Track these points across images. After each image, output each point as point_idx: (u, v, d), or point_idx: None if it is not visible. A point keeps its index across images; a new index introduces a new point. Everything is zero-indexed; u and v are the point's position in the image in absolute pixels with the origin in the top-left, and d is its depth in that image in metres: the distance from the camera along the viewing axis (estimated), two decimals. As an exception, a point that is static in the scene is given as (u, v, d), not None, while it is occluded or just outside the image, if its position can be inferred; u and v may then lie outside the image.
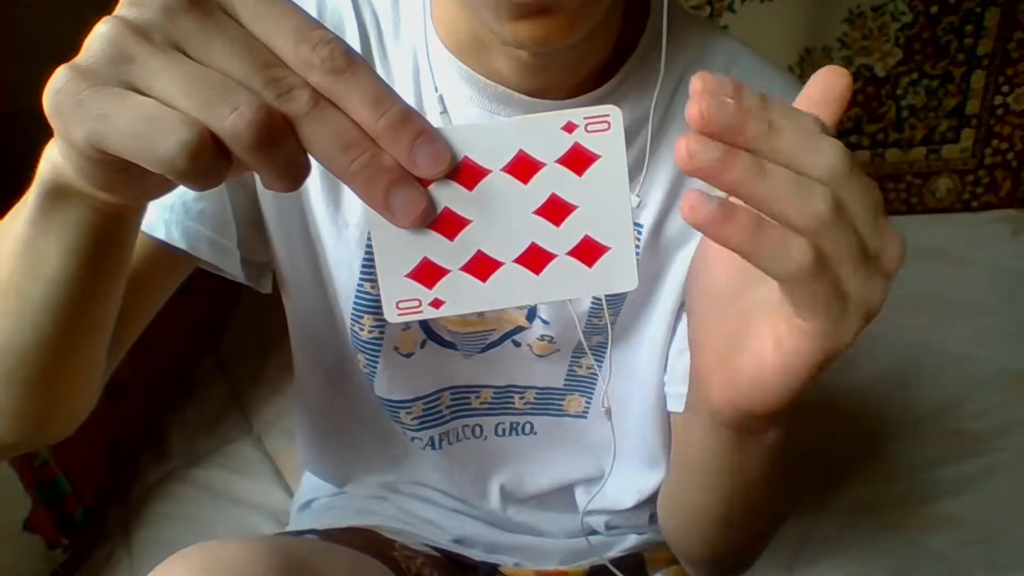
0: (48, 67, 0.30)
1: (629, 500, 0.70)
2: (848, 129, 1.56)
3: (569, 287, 0.33)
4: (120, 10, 0.28)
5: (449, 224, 0.31)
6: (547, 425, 0.69)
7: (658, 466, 0.68)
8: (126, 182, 0.32)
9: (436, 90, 0.55)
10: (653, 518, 0.77)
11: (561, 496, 0.72)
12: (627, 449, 0.68)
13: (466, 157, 0.31)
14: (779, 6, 1.45)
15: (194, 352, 1.27)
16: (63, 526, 0.91)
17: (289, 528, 0.83)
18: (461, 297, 0.32)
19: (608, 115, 0.31)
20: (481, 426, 0.69)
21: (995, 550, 0.84)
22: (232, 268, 0.58)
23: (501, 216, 0.32)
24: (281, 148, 0.28)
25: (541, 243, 0.32)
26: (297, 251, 0.61)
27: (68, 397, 0.48)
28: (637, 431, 0.66)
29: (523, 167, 0.31)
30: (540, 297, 0.33)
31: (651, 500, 0.71)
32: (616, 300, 0.61)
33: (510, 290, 0.33)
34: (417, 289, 0.32)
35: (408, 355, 0.63)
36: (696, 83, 0.30)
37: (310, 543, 0.64)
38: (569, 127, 0.31)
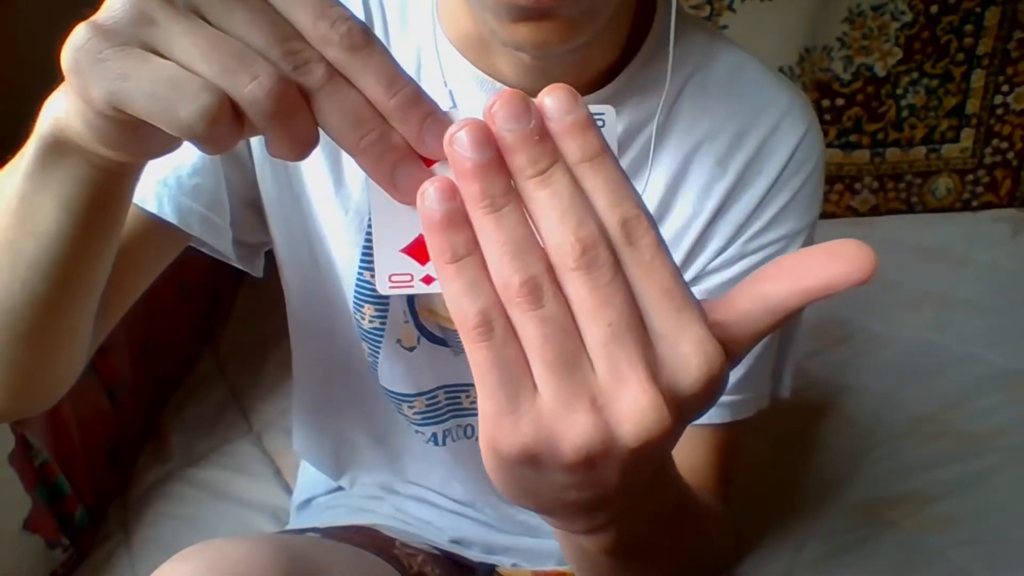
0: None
1: None
2: (848, 129, 1.56)
3: None
4: None
5: None
6: None
7: None
8: (135, 140, 0.32)
9: (446, 84, 0.55)
10: None
11: None
12: None
13: None
14: (779, 6, 1.45)
15: (194, 352, 1.27)
16: (63, 526, 0.91)
17: (290, 527, 0.83)
18: None
19: (604, 113, 0.31)
20: (472, 426, 0.69)
21: (995, 550, 0.84)
22: (223, 247, 0.58)
23: None
24: (295, 118, 0.28)
25: None
26: (297, 237, 0.61)
27: (54, 361, 0.48)
28: None
29: None
30: None
31: None
32: None
33: None
34: (410, 264, 0.32)
35: (411, 349, 0.64)
36: (545, 91, 0.28)
37: (313, 541, 0.64)
38: None
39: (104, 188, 0.38)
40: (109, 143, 0.32)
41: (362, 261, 0.60)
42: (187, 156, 0.54)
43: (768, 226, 0.59)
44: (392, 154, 0.29)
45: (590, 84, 0.55)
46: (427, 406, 0.67)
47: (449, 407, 0.68)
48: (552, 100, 0.28)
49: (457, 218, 0.27)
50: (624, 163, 0.56)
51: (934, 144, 1.59)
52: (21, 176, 0.37)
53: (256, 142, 0.57)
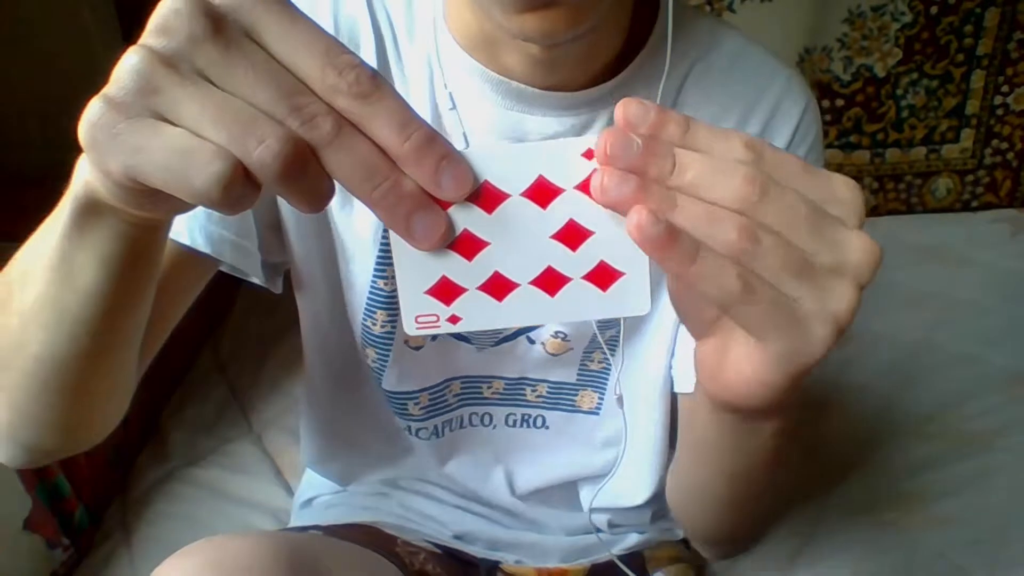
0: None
1: (640, 497, 0.70)
2: (848, 129, 1.56)
3: (582, 309, 0.33)
4: (146, 39, 0.29)
5: (468, 245, 0.32)
6: (559, 420, 0.69)
7: (662, 459, 0.69)
8: (158, 203, 0.33)
9: (445, 87, 0.56)
10: (655, 516, 0.77)
11: (565, 493, 0.72)
12: (638, 443, 0.68)
13: (486, 180, 0.31)
14: (779, 6, 1.45)
15: (194, 352, 1.27)
16: (63, 526, 0.91)
17: (291, 524, 0.83)
18: (477, 315, 0.33)
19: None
20: (491, 415, 0.69)
21: (995, 550, 0.84)
22: (253, 270, 0.59)
23: (519, 239, 0.32)
24: (306, 176, 0.28)
25: (557, 266, 0.33)
26: (312, 250, 0.62)
27: (101, 405, 0.49)
28: (648, 422, 0.67)
29: (542, 192, 0.32)
30: (553, 318, 0.34)
31: (656, 497, 0.71)
32: None
33: (525, 310, 0.33)
34: (435, 305, 0.33)
35: (418, 348, 0.64)
36: (618, 111, 0.30)
37: (315, 539, 0.64)
38: (589, 154, 0.31)
39: (139, 241, 0.38)
40: (135, 207, 0.33)
41: (376, 269, 0.60)
42: None
43: None
44: (406, 203, 0.29)
45: (597, 76, 0.55)
46: (431, 399, 0.67)
47: (463, 397, 0.68)
48: (625, 110, 0.30)
49: (673, 229, 0.30)
50: None
51: (934, 144, 1.59)
52: (59, 236, 0.38)
53: None
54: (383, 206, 0.29)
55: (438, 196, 0.30)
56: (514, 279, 0.33)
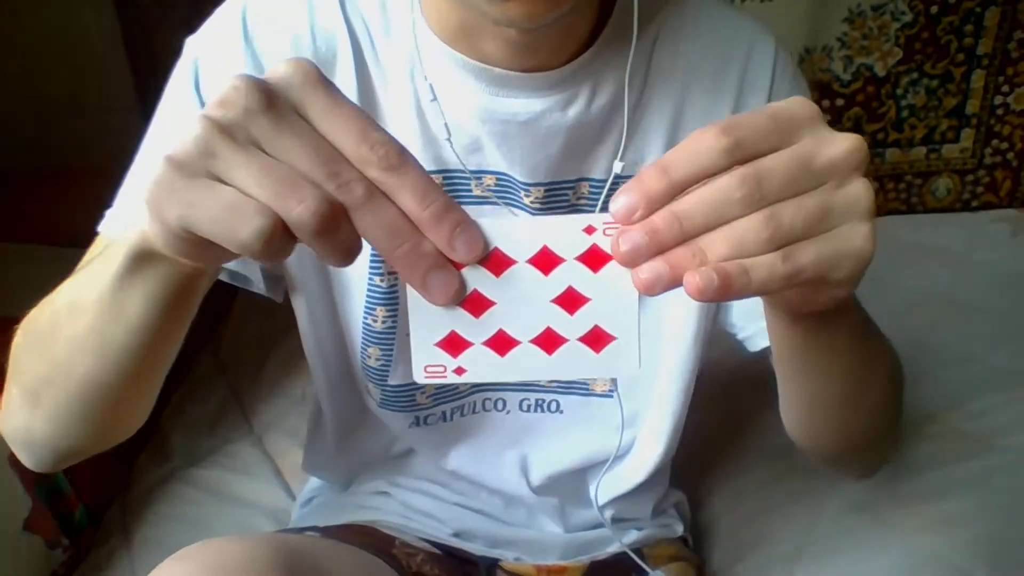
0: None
1: (640, 475, 0.71)
2: (848, 129, 1.56)
3: (577, 368, 0.37)
4: (209, 110, 0.33)
5: (476, 304, 0.36)
6: (573, 404, 0.70)
7: (674, 434, 0.70)
8: (207, 253, 0.36)
9: (426, 79, 0.57)
10: (655, 510, 0.78)
11: (575, 482, 0.73)
12: (648, 421, 0.69)
13: (496, 248, 0.35)
14: (779, 6, 1.45)
15: (194, 353, 1.27)
16: (63, 526, 0.91)
17: (291, 523, 0.84)
18: (481, 368, 0.37)
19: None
20: (505, 400, 0.70)
21: (995, 550, 0.84)
22: (257, 281, 0.60)
23: (522, 301, 0.36)
24: (338, 233, 0.33)
25: (555, 328, 0.36)
26: (305, 249, 0.62)
27: (135, 412, 0.53)
28: (661, 400, 0.68)
29: (546, 260, 0.35)
30: (550, 375, 0.37)
31: (656, 478, 0.72)
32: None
33: (524, 366, 0.37)
34: (444, 357, 0.36)
35: None
36: (613, 214, 0.34)
37: (311, 540, 0.64)
38: (589, 229, 0.35)
39: (185, 284, 0.43)
40: (185, 255, 0.37)
41: (371, 266, 0.61)
42: None
43: None
44: (424, 262, 0.34)
45: (572, 52, 0.57)
46: (439, 387, 0.68)
47: (475, 383, 0.69)
48: (616, 212, 0.34)
49: (724, 273, 0.33)
50: (624, 117, 0.60)
51: (934, 144, 1.59)
52: (111, 276, 0.42)
53: None
54: (404, 264, 0.33)
55: (452, 258, 0.34)
56: (516, 337, 0.36)
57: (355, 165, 0.33)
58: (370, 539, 0.69)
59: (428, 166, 0.59)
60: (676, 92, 0.61)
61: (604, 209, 0.62)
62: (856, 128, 1.56)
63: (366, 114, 0.33)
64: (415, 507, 0.75)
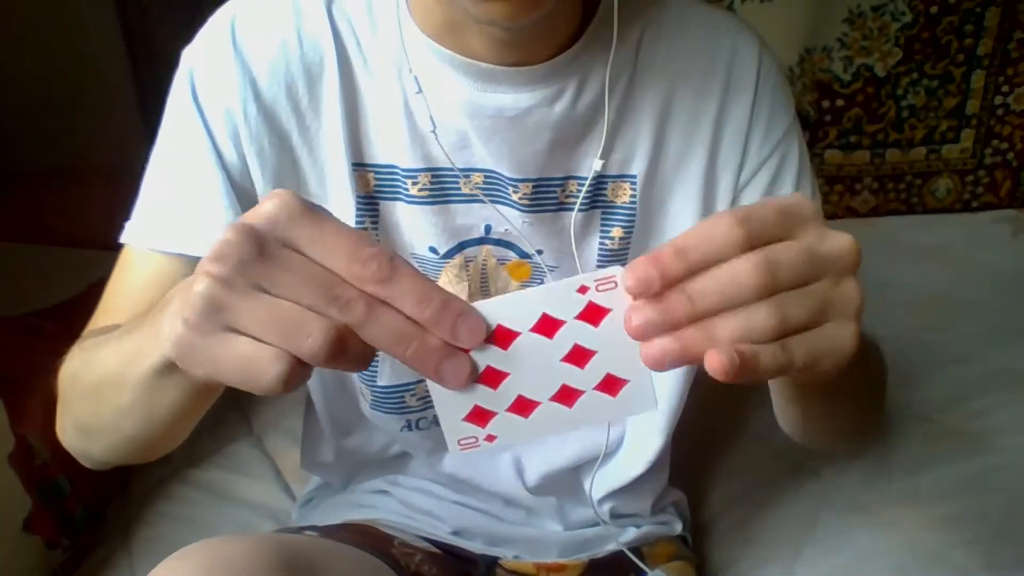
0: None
1: (637, 469, 0.71)
2: (848, 129, 1.56)
3: (598, 415, 0.39)
4: (206, 266, 0.35)
5: (492, 377, 0.37)
6: None
7: (670, 427, 0.70)
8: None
9: (411, 71, 0.58)
10: (655, 506, 0.78)
11: (571, 480, 0.73)
12: (643, 416, 0.69)
13: (499, 325, 0.37)
14: (779, 6, 1.45)
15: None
16: (63, 526, 0.91)
17: (292, 522, 0.84)
18: (509, 431, 0.39)
19: (614, 276, 0.36)
20: None
21: (995, 550, 0.84)
22: None
23: (534, 366, 0.37)
24: (348, 352, 0.35)
25: (570, 384, 0.38)
26: None
27: (183, 436, 0.56)
28: (662, 391, 0.68)
29: (547, 326, 0.37)
30: (574, 426, 0.39)
31: (655, 472, 0.72)
32: (622, 252, 0.64)
33: (549, 422, 0.39)
34: (473, 429, 0.39)
35: None
36: (627, 284, 0.35)
37: (310, 540, 0.65)
38: (582, 289, 0.36)
39: (213, 384, 0.45)
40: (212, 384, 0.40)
41: None
42: (215, 199, 0.58)
43: (768, 128, 0.64)
44: (434, 356, 0.35)
45: (559, 48, 0.58)
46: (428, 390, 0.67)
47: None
48: (631, 284, 0.35)
49: (744, 355, 0.35)
50: (611, 115, 0.61)
51: (934, 145, 1.59)
52: (145, 376, 0.44)
53: (262, 189, 0.60)
54: (415, 362, 0.35)
55: (458, 345, 0.36)
56: (535, 399, 0.38)
57: (352, 283, 0.35)
58: (369, 539, 0.69)
59: (417, 165, 0.60)
60: (663, 92, 0.62)
61: (583, 209, 0.62)
62: (856, 128, 1.56)
63: (354, 232, 0.36)
64: (414, 506, 0.75)
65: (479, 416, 0.38)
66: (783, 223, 0.37)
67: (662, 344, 0.35)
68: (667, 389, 0.68)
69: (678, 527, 0.81)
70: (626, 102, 0.61)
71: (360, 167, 0.60)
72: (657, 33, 0.62)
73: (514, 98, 0.57)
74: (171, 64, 0.60)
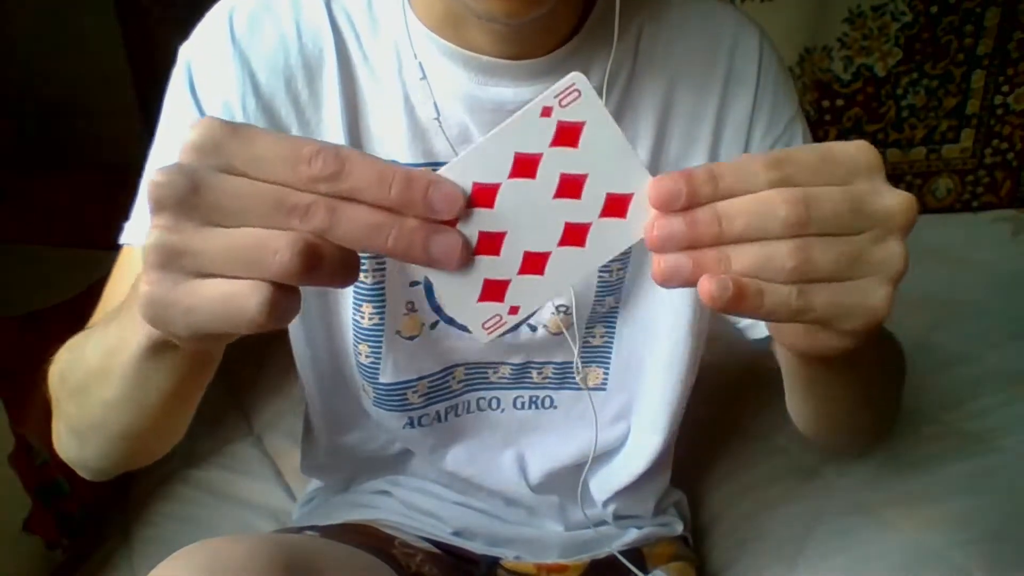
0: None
1: (639, 467, 0.71)
2: (848, 129, 1.56)
3: (616, 243, 0.36)
4: (151, 219, 0.33)
5: (490, 243, 0.35)
6: (567, 399, 0.70)
7: (672, 426, 0.70)
8: (219, 339, 0.38)
9: (415, 57, 0.57)
10: (657, 507, 0.78)
11: (573, 479, 0.73)
12: (643, 412, 0.69)
13: (474, 184, 0.34)
14: (779, 6, 1.45)
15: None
16: (63, 526, 0.91)
17: (292, 521, 0.84)
18: (530, 296, 0.36)
19: (574, 83, 0.33)
20: (499, 399, 0.70)
21: (995, 550, 0.84)
22: None
23: (529, 215, 0.34)
24: (325, 260, 0.32)
25: (573, 220, 0.35)
26: None
27: (176, 434, 0.56)
28: (656, 391, 0.68)
29: (525, 166, 0.34)
30: (596, 263, 0.36)
31: (657, 471, 0.72)
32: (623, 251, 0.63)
33: (567, 270, 0.36)
34: (492, 307, 0.36)
35: (411, 338, 0.65)
36: (651, 195, 0.34)
37: (310, 540, 0.65)
38: (546, 112, 0.33)
39: (202, 359, 0.45)
40: (200, 346, 0.39)
41: None
42: None
43: (771, 120, 0.63)
44: (417, 238, 0.33)
45: (560, 41, 0.58)
46: (431, 387, 0.68)
47: (468, 383, 0.69)
48: (657, 193, 0.34)
49: (740, 285, 0.34)
50: (611, 109, 0.60)
51: (934, 144, 1.59)
52: (131, 361, 0.43)
53: None
54: (399, 251, 0.33)
55: (438, 219, 0.33)
56: (543, 250, 0.35)
57: (304, 190, 0.32)
58: (369, 539, 0.69)
59: (417, 160, 0.60)
60: (663, 85, 0.62)
61: None
62: (856, 128, 1.56)
63: (290, 136, 0.33)
64: (415, 506, 0.75)
65: (493, 291, 0.35)
66: (828, 168, 0.34)
67: (677, 260, 0.33)
68: (668, 387, 0.68)
69: (679, 528, 0.81)
70: (627, 96, 0.61)
71: None
72: (657, 26, 0.61)
73: (515, 92, 0.57)
74: (171, 64, 0.60)
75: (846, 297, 0.34)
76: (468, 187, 0.34)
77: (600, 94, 0.60)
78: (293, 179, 0.32)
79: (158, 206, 0.33)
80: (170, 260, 0.33)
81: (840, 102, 1.54)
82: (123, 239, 0.60)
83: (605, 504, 0.74)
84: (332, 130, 0.59)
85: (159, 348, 0.42)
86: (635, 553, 0.76)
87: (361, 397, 0.70)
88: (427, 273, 0.34)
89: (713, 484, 1.00)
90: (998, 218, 1.55)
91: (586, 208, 0.35)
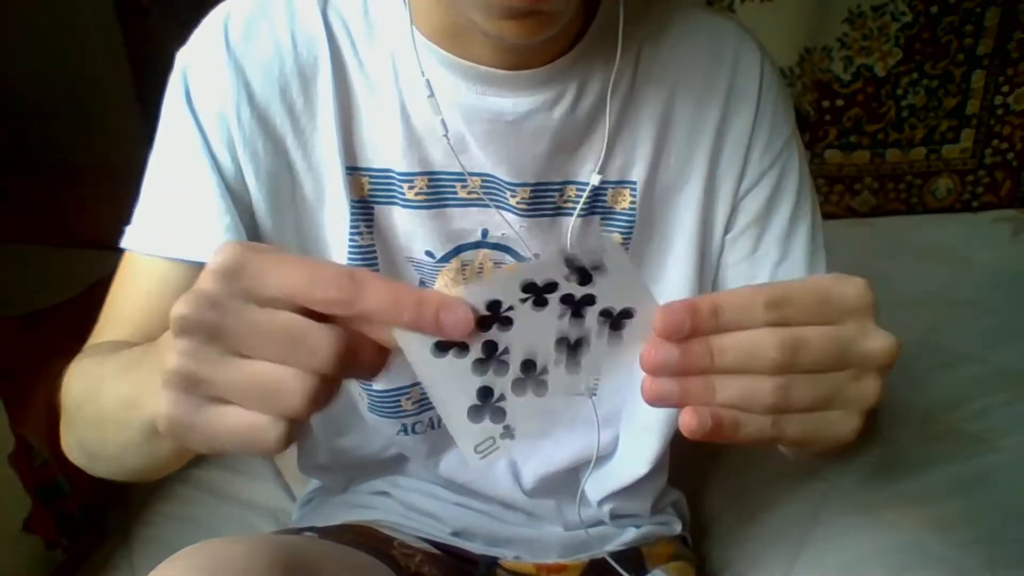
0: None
1: (641, 469, 0.71)
2: (848, 129, 1.56)
3: (617, 361, 0.37)
4: (174, 344, 0.34)
5: (492, 361, 0.35)
6: (558, 404, 0.69)
7: (668, 428, 0.70)
8: None
9: (423, 74, 0.57)
10: (655, 507, 0.77)
11: (568, 482, 0.73)
12: (638, 417, 0.69)
13: (487, 303, 0.35)
14: (779, 6, 1.45)
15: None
16: (63, 526, 0.91)
17: (290, 525, 0.84)
18: (526, 418, 0.36)
19: (603, 243, 0.35)
20: None
21: (995, 550, 0.84)
22: None
23: (533, 334, 0.35)
24: (335, 389, 0.35)
25: (573, 338, 0.36)
26: (292, 250, 0.62)
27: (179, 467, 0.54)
28: None
29: (537, 292, 0.35)
30: (592, 381, 0.39)
31: (654, 474, 0.72)
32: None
33: (564, 391, 0.37)
34: (486, 429, 0.36)
35: None
36: (657, 322, 0.35)
37: (310, 541, 0.64)
38: (569, 260, 0.35)
39: None
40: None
41: (349, 258, 0.61)
42: (211, 203, 0.58)
43: (770, 138, 0.64)
44: (426, 313, 0.33)
45: (559, 51, 0.58)
46: (423, 393, 0.67)
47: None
48: (664, 323, 0.35)
49: (718, 417, 0.36)
50: (611, 121, 0.60)
51: (934, 144, 1.59)
52: (141, 427, 0.43)
53: (256, 193, 0.59)
54: (412, 327, 0.34)
55: (446, 337, 0.34)
56: (542, 369, 0.36)
57: (320, 310, 0.33)
58: (368, 539, 0.69)
59: (413, 169, 0.59)
60: (664, 97, 0.62)
61: (582, 214, 0.61)
62: (856, 128, 1.56)
63: (308, 260, 0.34)
64: (414, 506, 0.75)
65: (489, 407, 0.36)
66: (822, 311, 0.36)
67: (666, 385, 0.36)
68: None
69: (678, 527, 0.81)
70: (627, 107, 0.61)
71: (354, 171, 0.60)
72: (659, 38, 0.61)
73: (513, 102, 0.57)
74: (171, 65, 0.60)
75: (816, 427, 0.37)
76: (479, 308, 0.35)
77: (600, 105, 0.59)
78: (310, 303, 0.33)
79: (181, 333, 0.34)
80: (191, 386, 0.34)
81: (840, 102, 1.54)
82: (125, 243, 0.60)
83: (601, 504, 0.74)
84: (326, 138, 0.59)
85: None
86: (634, 552, 0.76)
87: (357, 403, 0.70)
88: (423, 377, 0.35)
89: (713, 484, 1.00)
90: (998, 218, 1.55)
91: (589, 329, 0.36)
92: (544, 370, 0.36)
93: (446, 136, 0.57)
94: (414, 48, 0.57)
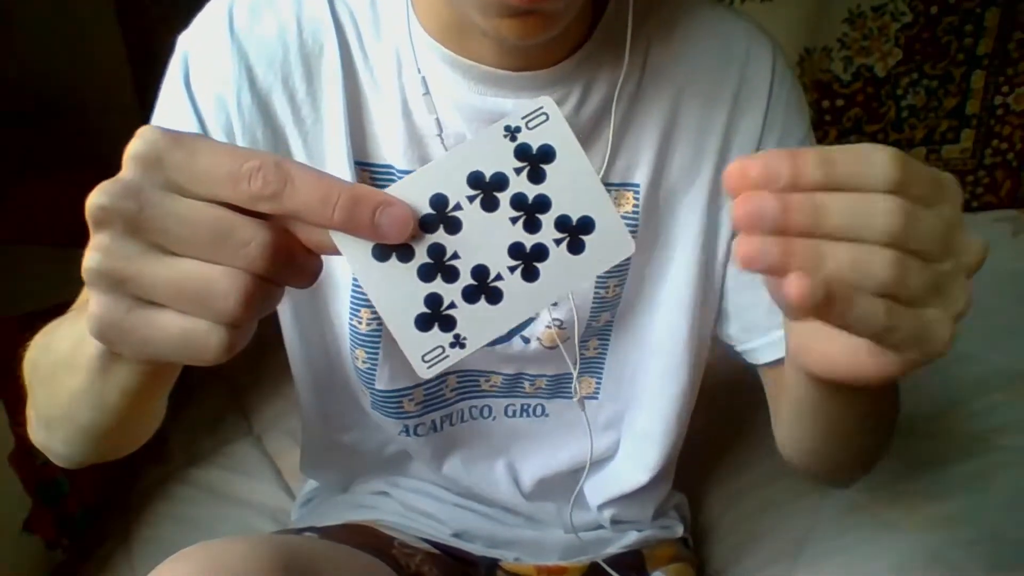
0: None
1: (641, 477, 0.71)
2: (848, 129, 1.56)
3: (573, 277, 0.34)
4: (93, 239, 0.32)
5: (439, 263, 0.33)
6: (558, 408, 0.69)
7: (667, 438, 0.69)
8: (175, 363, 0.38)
9: (419, 71, 0.56)
10: (657, 512, 0.77)
11: (568, 485, 0.73)
12: (638, 424, 0.69)
13: (430, 202, 0.32)
14: (779, 6, 1.45)
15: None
16: (63, 526, 0.91)
17: (290, 525, 0.83)
18: (478, 328, 0.33)
19: (542, 106, 0.32)
20: (490, 407, 0.69)
21: (995, 550, 0.84)
22: None
23: (484, 238, 0.33)
24: (272, 293, 0.32)
25: (530, 247, 0.33)
26: None
27: (143, 433, 0.54)
28: (651, 403, 0.67)
29: (484, 187, 0.32)
30: (549, 298, 0.34)
31: (657, 482, 0.72)
32: (620, 267, 0.62)
33: (520, 303, 0.33)
34: (435, 337, 0.33)
35: None
36: (755, 168, 0.30)
37: (310, 541, 0.64)
38: (510, 132, 0.32)
39: (162, 367, 0.41)
40: (158, 366, 0.38)
41: None
42: None
43: (782, 139, 0.62)
44: (363, 210, 0.31)
45: (565, 52, 0.57)
46: (427, 394, 0.67)
47: (460, 391, 0.68)
48: (765, 166, 0.31)
49: (831, 290, 0.30)
50: (617, 119, 0.59)
51: (934, 145, 1.59)
52: (85, 369, 0.41)
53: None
54: (346, 228, 0.31)
55: (387, 242, 0.32)
56: (497, 277, 0.33)
57: (246, 207, 0.31)
58: (369, 539, 0.69)
59: (413, 166, 0.59)
60: (670, 98, 0.60)
61: None
62: (856, 128, 1.56)
63: (232, 148, 0.32)
64: (415, 507, 0.75)
65: (438, 316, 0.33)
66: (936, 191, 0.32)
67: (765, 245, 0.30)
68: (664, 400, 0.68)
69: (679, 530, 0.81)
70: (632, 109, 0.60)
71: (359, 165, 0.59)
72: (667, 37, 0.60)
73: (515, 103, 0.56)
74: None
75: (924, 324, 0.32)
76: (423, 206, 0.32)
77: (609, 105, 0.59)
78: (234, 198, 0.31)
79: (99, 226, 0.32)
80: (114, 286, 0.32)
81: (840, 102, 1.54)
82: None
83: (601, 509, 0.74)
84: (331, 129, 0.58)
85: (112, 360, 0.40)
86: (635, 555, 0.76)
87: (359, 398, 0.69)
88: (374, 298, 0.32)
89: (713, 484, 1.00)
90: (998, 218, 1.55)
91: (545, 237, 0.33)
92: (499, 277, 0.33)
93: (440, 136, 0.57)
94: (410, 43, 0.56)
